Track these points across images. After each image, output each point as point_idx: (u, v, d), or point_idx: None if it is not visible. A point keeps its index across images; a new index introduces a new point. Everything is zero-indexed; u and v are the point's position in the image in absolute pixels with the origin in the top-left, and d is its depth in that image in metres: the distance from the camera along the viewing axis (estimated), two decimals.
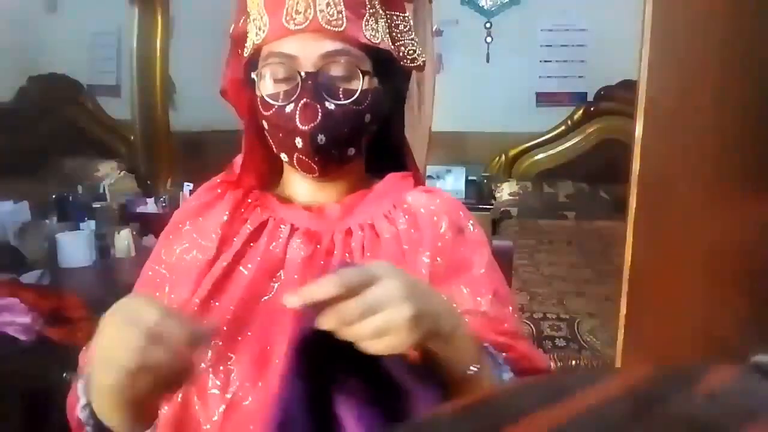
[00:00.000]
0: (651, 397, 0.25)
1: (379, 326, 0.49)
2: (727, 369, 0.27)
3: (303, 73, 0.69)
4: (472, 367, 0.57)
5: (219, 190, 0.79)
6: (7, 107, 2.13)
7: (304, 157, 0.72)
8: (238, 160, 0.80)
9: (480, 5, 3.64)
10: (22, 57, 2.23)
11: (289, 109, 0.69)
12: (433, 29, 3.29)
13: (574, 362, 1.78)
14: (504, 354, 0.67)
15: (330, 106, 0.69)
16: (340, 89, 0.70)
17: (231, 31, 0.77)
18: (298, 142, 0.70)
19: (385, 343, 0.50)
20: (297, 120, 0.69)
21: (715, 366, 0.27)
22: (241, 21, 0.75)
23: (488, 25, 3.64)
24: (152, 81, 2.48)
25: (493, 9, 3.63)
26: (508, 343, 0.68)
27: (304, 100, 0.68)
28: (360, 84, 0.70)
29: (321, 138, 0.69)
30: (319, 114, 0.69)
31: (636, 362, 1.17)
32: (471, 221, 0.78)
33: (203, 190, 0.81)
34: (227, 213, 0.76)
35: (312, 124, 0.69)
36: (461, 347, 0.57)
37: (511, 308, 0.75)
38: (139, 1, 2.42)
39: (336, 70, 0.70)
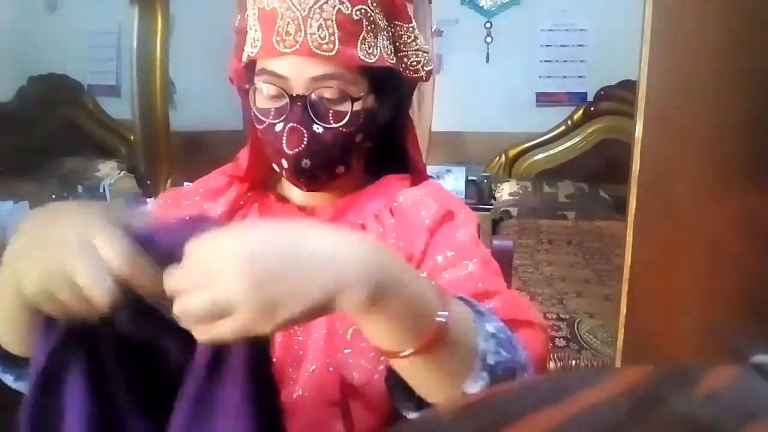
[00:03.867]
0: (651, 397, 0.25)
1: (209, 303, 0.41)
2: (727, 369, 0.27)
3: (293, 94, 0.68)
4: (439, 317, 0.48)
5: (227, 179, 0.81)
6: (7, 107, 2.13)
7: (290, 176, 0.73)
8: (244, 152, 0.81)
9: (480, 5, 3.64)
10: (22, 57, 2.22)
11: (278, 128, 0.69)
12: (433, 29, 3.30)
13: (574, 362, 1.78)
14: (487, 303, 0.63)
15: (318, 129, 0.69)
16: (330, 111, 0.69)
17: (236, 24, 0.77)
18: (284, 163, 0.71)
19: (218, 329, 0.42)
20: (283, 143, 0.69)
21: (715, 366, 0.27)
22: (246, 14, 0.75)
23: (488, 25, 3.64)
24: (152, 81, 2.48)
25: (493, 9, 3.63)
26: (494, 290, 0.66)
27: (291, 124, 0.68)
28: (350, 107, 0.69)
29: (306, 162, 0.70)
30: (305, 139, 0.68)
31: (636, 362, 1.17)
32: (463, 209, 0.78)
33: (213, 175, 0.83)
34: (227, 203, 0.78)
35: (297, 150, 0.69)
36: (403, 308, 0.47)
37: (501, 279, 0.73)
38: (139, 1, 2.42)
39: (327, 93, 0.69)
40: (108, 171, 2.41)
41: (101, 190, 2.26)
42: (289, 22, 0.66)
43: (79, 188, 2.18)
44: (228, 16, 0.79)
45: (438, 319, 0.48)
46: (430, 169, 3.50)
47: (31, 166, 2.18)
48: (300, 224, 0.48)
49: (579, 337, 1.85)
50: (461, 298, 0.57)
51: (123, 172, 2.41)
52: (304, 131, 0.68)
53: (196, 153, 2.57)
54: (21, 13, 2.22)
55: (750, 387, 0.26)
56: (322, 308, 0.44)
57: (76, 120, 2.44)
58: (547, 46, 3.58)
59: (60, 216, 0.47)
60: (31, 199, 1.88)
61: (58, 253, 0.43)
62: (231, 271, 0.41)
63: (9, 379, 0.60)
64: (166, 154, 2.55)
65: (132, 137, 2.52)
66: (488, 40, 3.65)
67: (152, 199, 2.26)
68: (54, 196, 2.01)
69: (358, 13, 0.68)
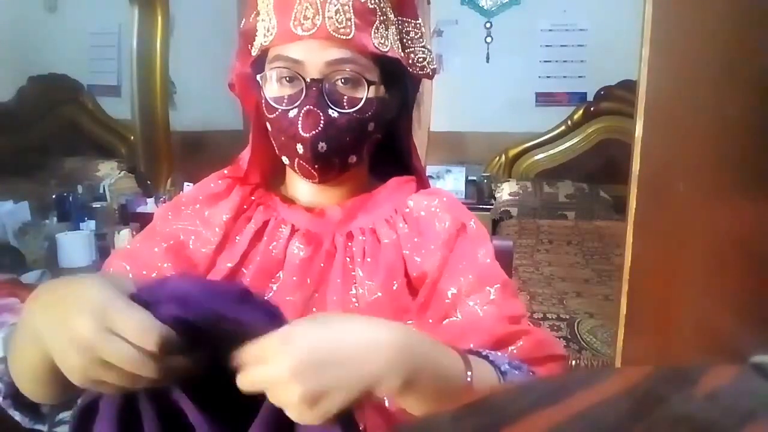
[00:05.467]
0: (651, 397, 0.25)
1: (277, 402, 0.47)
2: (727, 369, 0.27)
3: (308, 79, 0.68)
4: (466, 383, 0.55)
5: (228, 183, 0.80)
6: (7, 107, 2.13)
7: (304, 163, 0.72)
8: (245, 155, 0.80)
9: (480, 5, 3.64)
10: (22, 57, 2.22)
11: (292, 114, 0.69)
12: (433, 29, 3.29)
13: (574, 362, 1.78)
14: (514, 347, 0.67)
15: (333, 114, 0.69)
16: (345, 97, 0.69)
17: (241, 26, 0.77)
18: (299, 148, 0.70)
19: (292, 416, 0.46)
20: (299, 126, 0.69)
21: (715, 366, 0.27)
22: (252, 16, 0.75)
23: (488, 25, 3.64)
24: (152, 81, 2.48)
25: (493, 9, 3.63)
26: (522, 329, 0.69)
27: (307, 107, 0.68)
28: (365, 93, 0.70)
29: (322, 146, 0.69)
30: (321, 122, 0.68)
31: (636, 362, 1.17)
32: (472, 220, 0.79)
33: (212, 179, 0.81)
34: (232, 209, 0.77)
35: (313, 132, 0.68)
36: (433, 385, 0.52)
37: (519, 302, 0.76)
38: (139, 1, 2.42)
39: (341, 78, 0.69)
40: (108, 171, 2.40)
41: (101, 190, 2.25)
42: (307, 7, 0.67)
43: (79, 188, 2.18)
44: (228, 16, 0.79)
45: (465, 385, 0.54)
46: (430, 169, 3.52)
47: (31, 166, 2.17)
48: (334, 319, 0.51)
49: (579, 337, 1.85)
50: (485, 356, 0.61)
51: (123, 172, 2.40)
52: (321, 114, 0.68)
53: (196, 153, 2.58)
54: (21, 13, 2.22)
55: (750, 387, 0.26)
56: (361, 398, 0.48)
57: (76, 120, 2.44)
58: (547, 46, 3.58)
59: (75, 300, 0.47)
60: (31, 199, 1.88)
61: (88, 351, 0.45)
62: (285, 382, 0.45)
63: (28, 423, 0.63)
64: (166, 154, 2.55)
65: (132, 137, 2.52)
66: (488, 40, 3.65)
67: (152, 198, 2.27)
68: (54, 196, 2.01)
69: (372, 2, 0.70)
